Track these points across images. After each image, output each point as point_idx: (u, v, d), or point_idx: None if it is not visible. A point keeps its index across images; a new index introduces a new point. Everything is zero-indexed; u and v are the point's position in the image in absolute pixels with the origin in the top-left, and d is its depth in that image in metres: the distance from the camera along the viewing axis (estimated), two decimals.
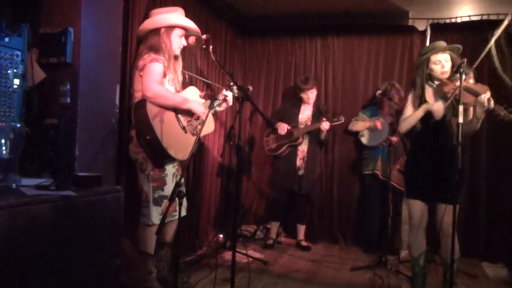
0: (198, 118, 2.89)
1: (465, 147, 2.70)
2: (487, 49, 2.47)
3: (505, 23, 2.42)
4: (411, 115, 2.85)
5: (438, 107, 2.72)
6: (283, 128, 4.24)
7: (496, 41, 2.45)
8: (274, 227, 4.50)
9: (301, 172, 4.32)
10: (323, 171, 4.70)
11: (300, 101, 4.42)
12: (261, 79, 5.03)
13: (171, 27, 2.80)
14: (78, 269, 1.82)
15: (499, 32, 2.44)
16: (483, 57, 2.50)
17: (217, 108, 3.05)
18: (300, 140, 4.30)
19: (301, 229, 4.47)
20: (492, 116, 2.54)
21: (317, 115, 4.35)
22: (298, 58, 4.91)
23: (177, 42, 2.84)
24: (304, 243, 4.40)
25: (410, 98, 2.91)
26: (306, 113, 4.38)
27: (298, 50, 4.91)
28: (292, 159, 4.32)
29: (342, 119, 4.21)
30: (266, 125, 4.50)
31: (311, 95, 4.33)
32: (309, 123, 4.33)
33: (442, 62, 2.76)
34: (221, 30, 4.42)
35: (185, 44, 2.91)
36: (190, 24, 2.91)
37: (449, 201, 2.61)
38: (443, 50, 2.77)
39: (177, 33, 2.83)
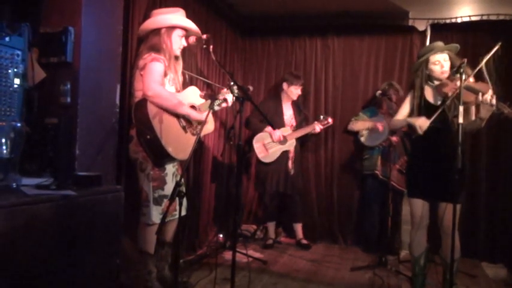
0: None
1: (465, 147, 2.70)
2: (477, 69, 2.50)
3: (494, 49, 2.45)
4: (399, 120, 2.92)
5: (421, 123, 2.69)
6: (279, 136, 4.23)
7: (487, 63, 2.49)
8: (271, 226, 4.50)
9: (291, 172, 4.34)
10: (322, 171, 4.74)
11: (280, 99, 4.41)
12: (261, 79, 5.03)
13: (171, 28, 2.81)
14: (79, 269, 1.82)
15: (487, 56, 2.47)
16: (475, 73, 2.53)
17: (216, 108, 3.07)
18: (294, 144, 4.32)
19: (299, 228, 4.47)
20: (495, 114, 2.53)
21: (299, 113, 4.41)
22: (298, 58, 4.91)
23: (177, 42, 2.84)
24: (304, 241, 4.41)
25: (408, 98, 2.92)
26: (288, 113, 4.40)
27: (298, 49, 4.91)
28: (284, 162, 4.30)
29: (331, 121, 4.30)
30: (257, 129, 4.43)
31: (299, 91, 4.34)
32: (294, 123, 4.37)
33: (441, 62, 2.77)
34: (221, 30, 4.42)
35: (185, 44, 2.91)
36: (191, 25, 2.91)
37: (449, 200, 2.62)
38: (441, 50, 2.78)
39: (177, 34, 2.83)
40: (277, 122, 4.30)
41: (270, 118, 4.25)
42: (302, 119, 4.42)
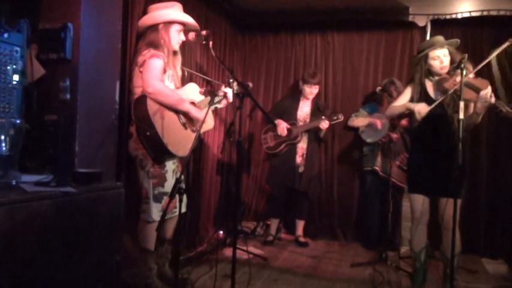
0: None
1: (466, 142, 2.69)
2: (486, 61, 2.48)
3: (505, 45, 2.43)
4: (397, 106, 2.91)
5: (420, 108, 2.69)
6: (282, 128, 4.21)
7: (498, 55, 2.47)
8: (274, 223, 4.50)
9: (301, 169, 4.31)
10: (322, 168, 4.70)
11: (299, 96, 4.40)
12: (260, 75, 5.01)
13: (169, 23, 2.79)
14: (79, 265, 1.82)
15: (497, 51, 2.45)
16: (482, 66, 2.50)
17: (218, 105, 3.06)
18: (299, 138, 4.29)
19: (300, 225, 4.47)
20: (494, 112, 2.53)
21: (315, 112, 4.32)
22: (298, 54, 4.89)
23: (175, 37, 2.83)
24: (302, 239, 4.40)
25: (408, 90, 2.91)
26: (304, 110, 4.36)
27: (298, 45, 4.90)
28: (291, 157, 4.30)
29: (341, 118, 4.17)
30: (266, 121, 4.48)
31: (314, 90, 4.30)
32: (308, 120, 4.31)
33: (440, 58, 2.76)
34: (221, 26, 4.41)
35: (184, 39, 2.90)
36: (188, 19, 2.89)
37: (450, 195, 2.62)
38: (441, 46, 2.77)
39: (175, 29, 2.82)
40: (290, 116, 4.32)
41: (287, 113, 4.30)
42: (317, 118, 4.31)
